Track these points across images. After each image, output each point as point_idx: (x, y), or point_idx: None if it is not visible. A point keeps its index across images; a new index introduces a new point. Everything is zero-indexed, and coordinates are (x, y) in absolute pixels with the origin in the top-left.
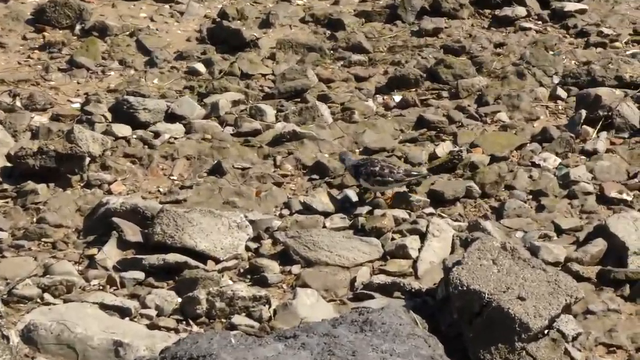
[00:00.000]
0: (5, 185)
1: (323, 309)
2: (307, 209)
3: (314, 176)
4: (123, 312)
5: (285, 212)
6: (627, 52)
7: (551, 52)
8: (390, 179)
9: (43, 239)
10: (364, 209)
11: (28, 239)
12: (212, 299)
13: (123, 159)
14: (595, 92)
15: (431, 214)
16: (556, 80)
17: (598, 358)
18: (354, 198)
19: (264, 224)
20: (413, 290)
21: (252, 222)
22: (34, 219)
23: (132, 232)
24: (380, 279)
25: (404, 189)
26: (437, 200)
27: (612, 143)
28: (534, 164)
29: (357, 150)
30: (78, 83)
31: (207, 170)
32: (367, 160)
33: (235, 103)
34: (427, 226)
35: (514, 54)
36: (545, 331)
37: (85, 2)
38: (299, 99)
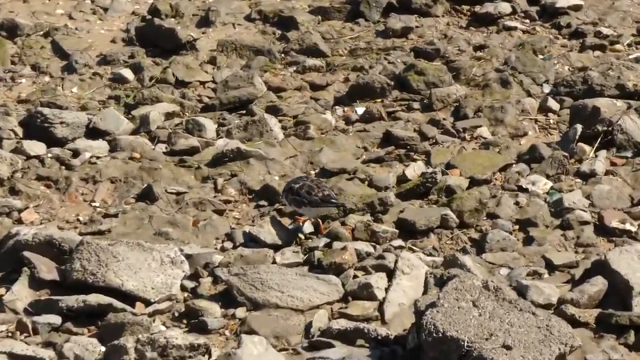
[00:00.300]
0: None
1: (273, 359)
2: (254, 242)
3: (262, 202)
4: None
5: (228, 245)
6: (630, 57)
7: (541, 56)
8: (305, 200)
9: None
10: (321, 241)
11: None
12: (142, 347)
13: (36, 182)
14: (592, 103)
15: (400, 247)
16: (547, 89)
17: None
18: (309, 228)
19: (202, 259)
20: (379, 337)
21: (188, 256)
22: None
23: (47, 269)
24: (341, 324)
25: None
26: (407, 230)
27: (612, 164)
28: (520, 189)
29: (312, 172)
30: None
31: (135, 195)
32: (299, 177)
33: (169, 116)
34: (396, 262)
35: (496, 59)
36: None
37: None
38: (244, 111)
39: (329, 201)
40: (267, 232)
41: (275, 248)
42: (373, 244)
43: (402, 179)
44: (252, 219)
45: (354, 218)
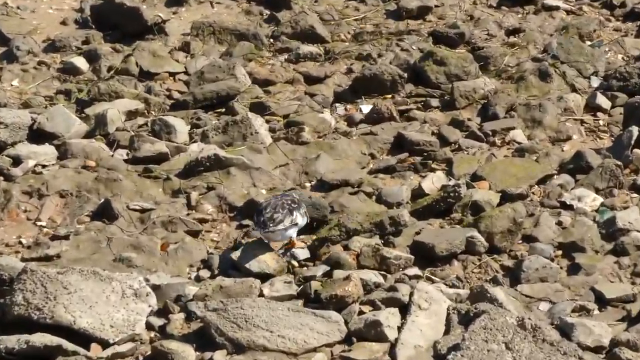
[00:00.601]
0: None
1: None
2: (236, 270)
3: (246, 222)
4: None
5: (204, 273)
6: None
7: (588, 43)
8: (254, 228)
9: None
10: (319, 269)
11: None
12: None
13: None
14: None
15: (416, 277)
16: (595, 83)
17: None
18: (304, 254)
19: (173, 290)
20: None
21: (156, 288)
22: None
23: None
24: None
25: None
26: (425, 256)
27: None
28: (564, 205)
29: (307, 184)
30: None
31: (90, 212)
32: (284, 193)
33: (131, 115)
34: (411, 294)
35: (534, 45)
36: None
37: None
38: (223, 110)
39: (262, 229)
40: (252, 258)
41: (263, 277)
42: (383, 272)
43: (417, 193)
44: (233, 241)
45: (360, 241)
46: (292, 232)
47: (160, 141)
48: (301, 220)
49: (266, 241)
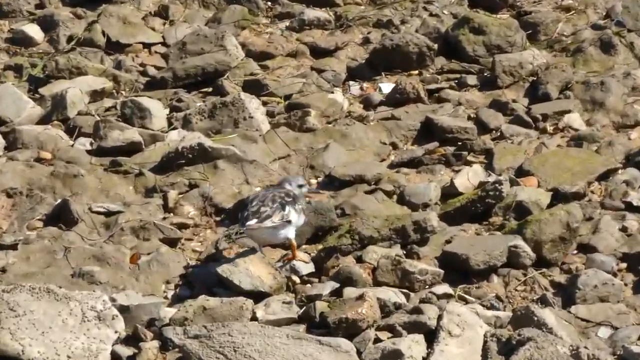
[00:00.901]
0: None
1: None
2: (224, 287)
3: (235, 227)
4: None
5: (184, 291)
6: None
7: None
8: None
9: None
10: (326, 287)
11: None
12: None
13: None
14: None
15: (446, 296)
16: None
17: None
18: (306, 268)
19: (145, 312)
20: None
21: (124, 309)
22: None
23: None
24: None
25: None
26: (457, 271)
27: None
28: (630, 207)
29: (313, 181)
30: None
31: (43, 215)
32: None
33: (96, 96)
34: (439, 318)
35: (594, 9)
36: None
37: None
38: (209, 89)
39: (242, 225)
40: (243, 273)
41: (256, 296)
42: (405, 290)
43: (449, 191)
44: (220, 251)
45: (376, 251)
46: (287, 233)
47: (132, 128)
48: (296, 217)
49: (255, 247)
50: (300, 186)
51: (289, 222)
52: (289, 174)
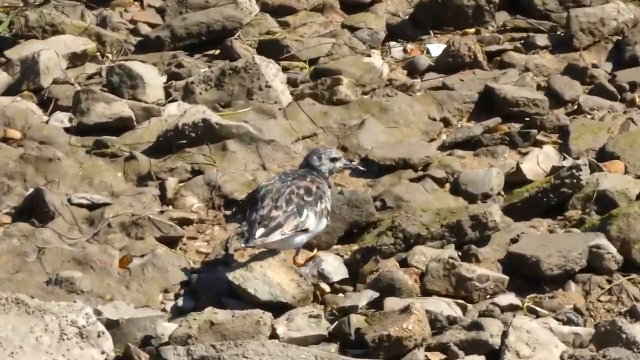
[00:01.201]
0: None
1: None
2: (235, 297)
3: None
4: None
5: (186, 302)
6: None
7: None
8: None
9: None
10: (362, 297)
11: None
12: None
13: None
14: None
15: (512, 308)
16: None
17: None
18: (338, 273)
19: (138, 328)
20: None
21: (112, 324)
22: None
23: None
24: None
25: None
26: (526, 276)
27: None
28: None
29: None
30: None
31: (11, 208)
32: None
33: (77, 60)
34: (504, 335)
35: None
36: None
37: None
38: (216, 51)
39: (246, 238)
40: (260, 279)
41: (277, 308)
42: (461, 301)
43: (514, 178)
44: (230, 253)
45: (425, 253)
46: (302, 241)
47: (121, 100)
48: (314, 224)
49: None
50: (333, 160)
51: (305, 231)
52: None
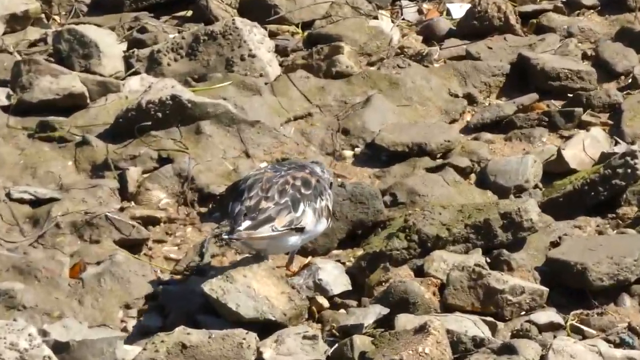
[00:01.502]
0: None
1: None
2: (213, 313)
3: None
4: None
5: (153, 320)
6: None
7: None
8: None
9: None
10: (368, 314)
11: None
12: None
13: None
14: None
15: (553, 327)
16: None
17: None
18: (338, 284)
19: (93, 352)
20: None
21: (61, 347)
22: None
23: None
24: None
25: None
26: (569, 287)
27: None
28: None
29: (348, 152)
30: None
31: None
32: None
33: (16, 23)
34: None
35: None
36: None
37: None
38: (188, 12)
39: (229, 231)
40: (243, 292)
41: (263, 328)
42: (490, 319)
43: (555, 168)
44: (207, 260)
45: (446, 259)
46: (296, 242)
47: (71, 72)
48: (313, 223)
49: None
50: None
51: (301, 230)
52: (311, 143)
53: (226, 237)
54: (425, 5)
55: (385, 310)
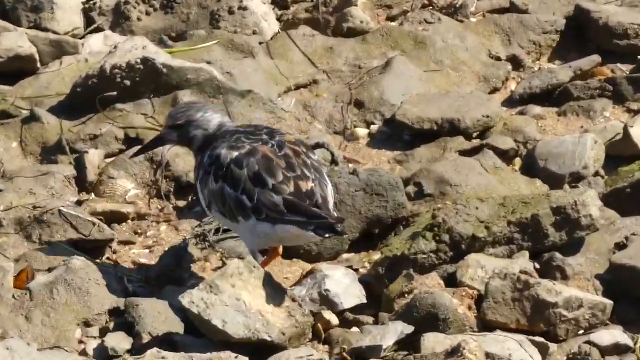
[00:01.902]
0: None
1: None
2: (194, 333)
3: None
4: None
5: (119, 341)
6: None
7: None
8: (249, 200)
9: None
10: (388, 333)
11: None
12: None
13: None
14: None
15: (620, 350)
16: None
17: None
18: (350, 296)
19: None
20: None
21: None
22: None
23: None
24: None
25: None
26: (636, 299)
27: None
28: None
29: (362, 131)
30: None
31: None
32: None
33: None
34: None
35: None
36: None
37: None
38: None
39: (307, 213)
40: (231, 306)
41: (257, 350)
42: (540, 339)
43: (620, 151)
44: (186, 266)
45: (484, 265)
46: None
47: (17, 29)
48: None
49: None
50: None
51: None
52: (316, 118)
53: (340, 229)
54: None
55: (409, 329)
